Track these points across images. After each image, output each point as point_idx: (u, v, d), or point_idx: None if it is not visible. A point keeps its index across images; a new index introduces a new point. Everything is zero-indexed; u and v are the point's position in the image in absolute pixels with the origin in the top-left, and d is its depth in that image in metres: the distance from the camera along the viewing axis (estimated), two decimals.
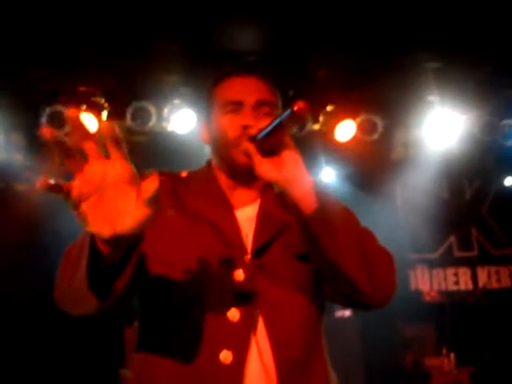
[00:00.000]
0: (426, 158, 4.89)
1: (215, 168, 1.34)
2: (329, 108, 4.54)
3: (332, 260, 1.09)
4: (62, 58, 3.86)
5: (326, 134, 4.60)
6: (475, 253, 5.90)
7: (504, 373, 5.04)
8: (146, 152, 4.42)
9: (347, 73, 4.22)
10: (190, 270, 1.18)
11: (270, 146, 1.09)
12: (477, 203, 5.95)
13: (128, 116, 4.20)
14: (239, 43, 3.84)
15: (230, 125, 1.25)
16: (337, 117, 4.53)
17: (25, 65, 3.89)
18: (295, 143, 1.11)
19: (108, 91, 4.24)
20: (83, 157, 0.81)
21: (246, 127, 1.20)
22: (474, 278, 5.81)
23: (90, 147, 0.81)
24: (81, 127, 0.80)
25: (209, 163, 1.38)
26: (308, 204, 1.08)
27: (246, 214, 1.27)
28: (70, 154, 0.80)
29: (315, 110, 4.33)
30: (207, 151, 1.39)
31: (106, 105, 4.25)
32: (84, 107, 4.15)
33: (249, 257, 1.20)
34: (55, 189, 0.78)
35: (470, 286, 5.78)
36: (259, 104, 1.26)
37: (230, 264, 1.18)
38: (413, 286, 5.71)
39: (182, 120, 4.25)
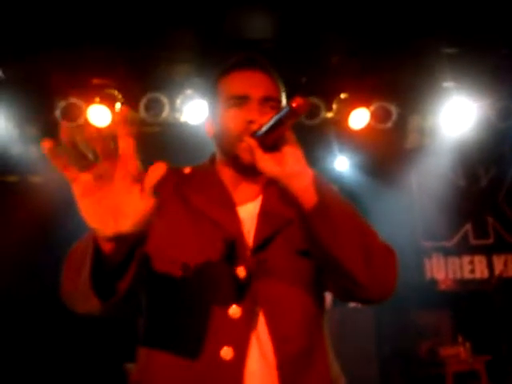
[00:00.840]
0: (441, 145, 4.84)
1: (219, 162, 1.35)
2: (342, 96, 4.51)
3: (332, 254, 1.09)
4: (75, 51, 3.87)
5: (340, 122, 4.57)
6: (491, 241, 5.85)
7: None
8: (159, 143, 4.43)
9: (360, 60, 4.18)
10: (191, 267, 1.18)
11: (271, 141, 1.10)
12: (493, 191, 5.88)
13: (141, 107, 4.21)
14: (251, 31, 3.82)
15: (235, 119, 1.24)
16: (350, 104, 4.49)
17: (38, 58, 3.91)
18: (308, 132, 1.11)
19: (121, 83, 4.25)
20: (94, 156, 0.82)
21: (250, 122, 1.20)
22: (490, 266, 5.76)
23: (101, 147, 0.82)
24: (95, 132, 0.81)
25: (212, 157, 1.38)
26: (308, 199, 1.08)
27: (248, 211, 1.27)
28: (80, 155, 0.81)
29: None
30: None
31: (120, 96, 4.26)
32: (97, 99, 4.16)
33: (250, 253, 1.20)
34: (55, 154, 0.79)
35: (486, 275, 5.73)
36: (265, 99, 1.25)
37: (232, 261, 1.19)
38: (428, 275, 5.68)
39: (195, 110, 4.26)
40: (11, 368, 4.36)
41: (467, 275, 5.73)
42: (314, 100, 4.31)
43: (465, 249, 5.78)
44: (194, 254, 1.19)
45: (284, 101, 1.32)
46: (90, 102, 4.14)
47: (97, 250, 0.91)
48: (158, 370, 1.16)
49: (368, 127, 4.55)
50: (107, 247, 0.90)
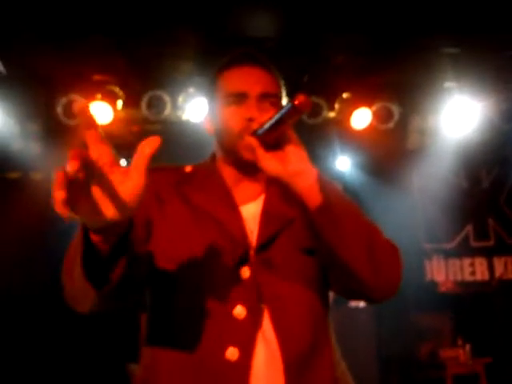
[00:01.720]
0: (443, 146, 4.83)
1: (219, 161, 1.33)
2: (345, 95, 4.50)
3: (337, 253, 1.08)
4: (77, 48, 3.87)
5: (342, 122, 4.57)
6: (492, 243, 5.84)
7: None
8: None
9: (363, 60, 4.17)
10: (195, 267, 1.17)
11: (272, 140, 1.08)
12: (494, 192, 5.87)
13: (143, 105, 4.20)
14: (254, 29, 3.81)
15: (234, 117, 1.23)
16: (352, 104, 4.48)
17: (40, 54, 3.91)
18: (309, 131, 1.09)
19: (123, 80, 4.25)
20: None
21: (250, 119, 1.18)
22: (491, 268, 5.76)
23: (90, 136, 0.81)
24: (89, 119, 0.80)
25: (213, 156, 1.36)
26: (313, 198, 1.06)
27: (251, 211, 1.25)
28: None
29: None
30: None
31: (121, 93, 4.25)
32: (99, 96, 4.16)
33: (254, 253, 1.19)
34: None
35: (487, 277, 5.72)
36: (263, 96, 1.23)
37: (236, 261, 1.18)
38: (428, 277, 5.67)
39: (197, 109, 4.25)
40: (13, 368, 4.36)
41: (468, 277, 5.72)
42: (316, 99, 4.30)
43: (465, 251, 5.77)
44: (197, 253, 1.18)
45: (284, 96, 1.30)
46: (91, 98, 4.13)
47: (86, 241, 0.91)
48: (163, 370, 1.15)
49: (370, 127, 4.54)
50: (95, 237, 0.90)
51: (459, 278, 5.71)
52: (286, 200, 1.22)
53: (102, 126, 4.15)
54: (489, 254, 5.79)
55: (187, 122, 4.35)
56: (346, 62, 4.20)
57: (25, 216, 4.42)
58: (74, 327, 4.35)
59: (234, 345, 1.12)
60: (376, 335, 4.77)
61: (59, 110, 4.11)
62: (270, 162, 1.07)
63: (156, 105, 4.24)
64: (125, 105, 4.28)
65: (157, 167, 1.29)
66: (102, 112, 4.15)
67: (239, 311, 1.14)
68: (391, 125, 4.52)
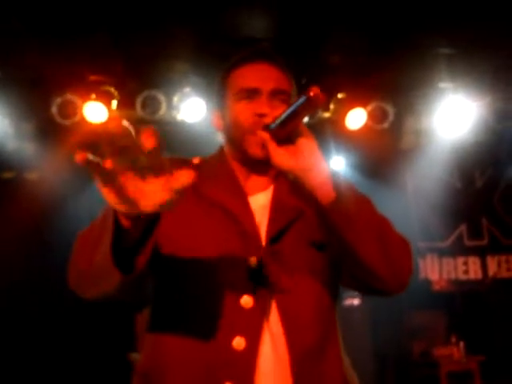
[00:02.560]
0: (438, 146, 4.85)
1: (228, 155, 1.33)
2: (340, 95, 4.51)
3: (351, 248, 1.08)
4: (71, 47, 3.86)
5: (337, 122, 4.57)
6: (485, 242, 5.87)
7: None
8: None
9: (358, 60, 4.18)
10: (203, 256, 1.18)
11: (285, 134, 1.07)
12: (488, 192, 5.90)
13: (138, 105, 4.20)
14: (250, 30, 3.81)
15: (245, 112, 1.22)
16: (348, 105, 4.49)
17: (35, 54, 3.89)
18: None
19: (118, 80, 4.24)
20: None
21: (261, 115, 1.18)
22: (484, 267, 5.79)
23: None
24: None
25: (221, 150, 1.36)
26: (326, 193, 1.06)
27: (260, 202, 1.25)
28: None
29: (329, 96, 4.28)
30: (218, 139, 1.38)
31: (116, 94, 4.25)
32: (94, 96, 4.15)
33: (263, 244, 1.19)
34: (93, 165, 0.80)
35: (480, 275, 5.75)
36: (275, 92, 1.23)
37: (244, 251, 1.18)
38: (422, 275, 5.70)
39: (192, 109, 4.24)
40: (13, 360, 4.36)
41: (461, 276, 5.75)
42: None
43: (459, 250, 5.79)
44: (206, 243, 1.18)
45: (295, 95, 1.29)
46: (86, 98, 4.12)
47: (116, 225, 0.92)
48: (167, 359, 1.15)
49: (365, 127, 4.55)
50: (126, 223, 0.91)
51: (453, 276, 5.74)
52: (295, 194, 1.20)
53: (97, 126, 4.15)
54: (482, 253, 5.82)
55: (182, 122, 4.34)
56: (341, 62, 4.21)
57: (19, 216, 4.41)
58: (75, 318, 4.37)
59: (240, 334, 1.12)
60: (370, 334, 4.79)
61: (54, 110, 4.10)
62: (282, 157, 1.07)
63: (151, 105, 4.23)
64: (120, 105, 4.27)
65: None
66: (97, 112, 4.15)
67: (247, 301, 1.14)
68: (386, 125, 4.53)
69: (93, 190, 0.96)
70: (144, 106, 4.21)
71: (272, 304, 1.16)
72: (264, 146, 1.10)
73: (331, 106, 4.54)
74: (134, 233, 0.93)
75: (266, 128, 1.09)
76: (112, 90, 4.23)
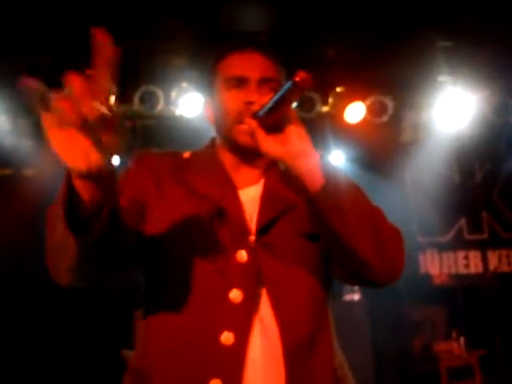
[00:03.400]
0: (437, 140, 4.84)
1: (218, 146, 1.32)
2: (338, 89, 4.49)
3: (341, 236, 1.07)
4: (68, 42, 3.84)
5: (336, 116, 4.56)
6: (486, 236, 5.86)
7: None
8: (154, 136, 4.41)
9: (356, 53, 4.17)
10: (191, 249, 1.16)
11: (273, 121, 1.06)
12: (488, 186, 5.89)
13: (136, 100, 4.18)
14: (247, 24, 3.80)
15: (233, 100, 1.22)
16: (346, 98, 4.48)
17: (31, 50, 3.88)
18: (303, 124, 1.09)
19: (115, 75, 4.21)
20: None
21: (249, 103, 1.17)
22: (485, 261, 5.78)
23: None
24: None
25: (212, 141, 1.35)
26: (315, 180, 1.06)
27: (250, 195, 1.24)
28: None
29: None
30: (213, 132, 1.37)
31: (113, 88, 4.22)
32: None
33: (253, 237, 1.18)
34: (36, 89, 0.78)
35: (481, 270, 5.75)
36: (264, 80, 1.23)
37: (233, 245, 1.16)
38: (422, 270, 5.69)
39: (190, 103, 4.23)
40: (8, 359, 4.36)
41: (462, 270, 5.74)
42: (310, 93, 4.29)
43: (459, 244, 5.79)
44: (194, 236, 1.17)
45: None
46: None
47: (70, 190, 0.89)
48: (156, 355, 1.14)
49: (364, 121, 4.54)
50: (80, 184, 0.87)
51: (453, 270, 5.73)
52: (286, 185, 1.21)
53: None
54: (483, 247, 5.82)
55: (180, 117, 4.33)
56: (339, 56, 4.20)
57: (17, 212, 4.40)
58: (71, 315, 4.36)
59: (229, 329, 1.11)
60: (370, 328, 4.78)
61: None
62: (270, 144, 1.07)
63: (149, 100, 4.21)
64: (117, 100, 4.25)
65: (154, 152, 1.32)
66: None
67: (235, 295, 1.13)
68: (385, 119, 4.52)
69: None
70: (142, 100, 4.20)
71: (263, 297, 1.15)
72: (253, 134, 1.09)
73: (330, 100, 4.52)
74: (88, 194, 0.89)
75: (254, 115, 1.09)
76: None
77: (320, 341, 1.19)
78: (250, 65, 1.24)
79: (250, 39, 1.33)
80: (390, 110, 4.50)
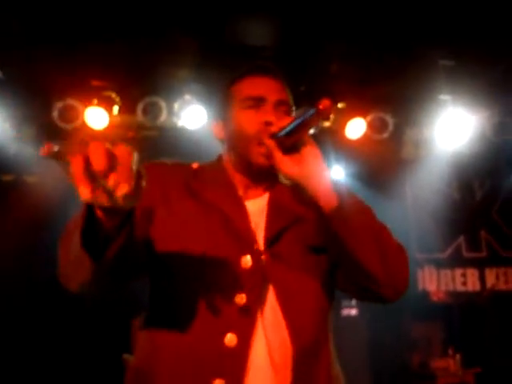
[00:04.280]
0: (437, 157, 4.86)
1: (227, 163, 1.36)
2: (340, 105, 4.53)
3: (350, 252, 1.11)
4: (74, 52, 3.88)
5: (337, 132, 4.59)
6: (484, 254, 5.86)
7: (511, 375, 5.01)
8: (156, 147, 4.43)
9: (358, 70, 4.20)
10: (197, 256, 1.20)
11: (290, 143, 1.10)
12: (487, 204, 5.90)
13: (139, 111, 4.21)
14: (251, 38, 3.83)
15: (251, 120, 1.26)
16: (347, 114, 4.51)
17: (37, 58, 3.91)
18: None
19: (119, 86, 4.25)
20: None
21: (268, 123, 1.21)
22: (482, 279, 5.78)
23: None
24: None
25: (220, 159, 1.38)
26: (329, 201, 1.10)
27: (257, 206, 1.28)
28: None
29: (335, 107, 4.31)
30: (217, 146, 1.39)
31: (118, 99, 4.26)
32: (95, 101, 4.16)
33: (261, 246, 1.22)
34: (58, 155, 0.82)
35: (478, 287, 5.74)
36: (280, 103, 1.28)
37: (238, 252, 1.20)
38: (420, 286, 5.69)
39: (193, 116, 4.26)
40: (11, 362, 4.36)
41: (459, 287, 5.74)
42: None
43: (457, 261, 5.79)
44: (200, 243, 1.21)
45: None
46: (87, 103, 4.13)
47: (89, 215, 0.93)
48: (159, 355, 1.17)
49: (364, 137, 4.56)
50: (101, 214, 0.92)
51: (451, 288, 5.73)
52: (293, 199, 1.25)
53: (98, 132, 4.16)
54: (480, 265, 5.82)
55: (183, 129, 4.36)
56: (341, 72, 4.23)
57: (19, 219, 4.42)
58: (73, 320, 4.36)
59: (232, 331, 1.14)
60: (367, 344, 4.77)
61: (55, 114, 4.11)
62: (287, 165, 1.11)
63: (152, 111, 4.24)
64: (121, 110, 4.28)
65: (164, 162, 1.36)
66: (98, 117, 4.16)
67: (240, 298, 1.16)
68: (386, 135, 4.54)
69: None
70: (145, 112, 4.22)
71: (270, 301, 1.18)
72: (269, 156, 1.14)
73: (331, 116, 4.55)
74: (109, 223, 0.94)
75: (273, 136, 1.12)
76: (113, 95, 4.24)
77: (321, 350, 1.23)
78: (267, 87, 1.30)
79: (264, 64, 1.37)
80: (391, 127, 4.53)
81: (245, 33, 3.81)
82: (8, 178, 4.90)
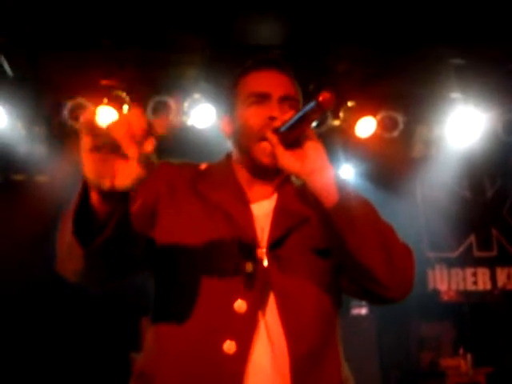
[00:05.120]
0: (447, 156, 4.83)
1: (234, 161, 1.35)
2: (349, 104, 4.51)
3: (353, 252, 1.09)
4: (83, 52, 3.90)
5: (346, 131, 4.57)
6: (495, 253, 5.82)
7: None
8: (166, 146, 4.43)
9: (368, 68, 4.19)
10: (199, 259, 1.19)
11: (292, 138, 1.09)
12: (498, 203, 5.86)
13: (149, 110, 4.22)
14: (260, 37, 3.83)
15: (255, 116, 1.25)
16: (357, 113, 4.49)
17: (47, 58, 3.93)
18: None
19: (129, 85, 4.27)
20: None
21: (271, 118, 1.20)
22: (493, 278, 5.74)
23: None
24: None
25: (228, 156, 1.38)
26: (330, 196, 1.08)
27: (263, 209, 1.27)
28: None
29: (338, 101, 4.29)
30: (227, 145, 1.39)
31: (127, 98, 4.27)
32: (105, 100, 4.18)
33: (263, 250, 1.20)
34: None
35: (489, 287, 5.70)
36: (285, 98, 1.26)
37: (242, 256, 1.19)
38: (431, 286, 5.66)
39: (202, 114, 4.27)
40: (17, 360, 4.39)
41: (470, 287, 5.70)
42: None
43: (468, 260, 5.75)
44: (203, 245, 1.20)
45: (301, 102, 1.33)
46: (97, 102, 4.15)
47: (84, 200, 0.93)
48: (160, 359, 1.17)
49: (374, 136, 4.55)
50: (96, 198, 0.91)
51: (462, 287, 5.69)
52: (299, 200, 1.23)
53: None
54: (491, 264, 5.78)
55: (192, 128, 4.37)
56: (350, 70, 4.22)
57: (29, 218, 4.44)
58: (77, 317, 4.38)
59: (231, 338, 1.13)
60: (377, 343, 4.76)
61: (66, 113, 4.13)
62: (288, 159, 1.09)
63: (161, 110, 4.26)
64: (130, 109, 4.29)
65: (172, 162, 1.35)
66: (108, 116, 4.17)
67: (240, 305, 1.15)
68: (396, 134, 4.52)
69: None
70: (155, 111, 4.23)
71: (271, 307, 1.17)
72: (272, 152, 1.12)
73: (341, 115, 4.54)
74: (104, 207, 0.93)
75: (275, 131, 1.11)
76: (123, 94, 4.25)
77: (327, 355, 1.20)
78: (272, 82, 1.28)
79: (270, 58, 1.36)
80: (401, 125, 4.51)
81: (253, 32, 3.81)
82: (19, 177, 4.94)
